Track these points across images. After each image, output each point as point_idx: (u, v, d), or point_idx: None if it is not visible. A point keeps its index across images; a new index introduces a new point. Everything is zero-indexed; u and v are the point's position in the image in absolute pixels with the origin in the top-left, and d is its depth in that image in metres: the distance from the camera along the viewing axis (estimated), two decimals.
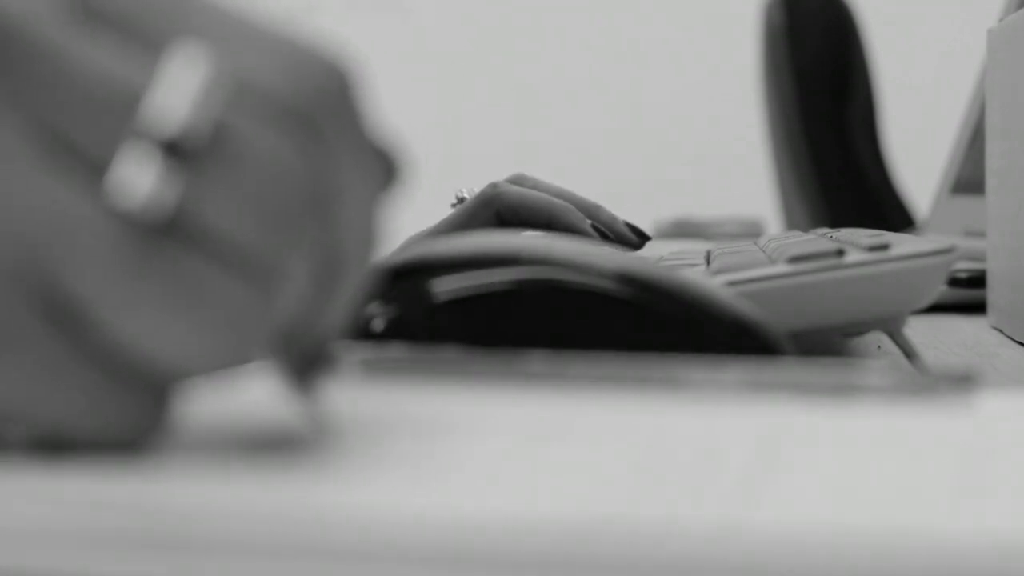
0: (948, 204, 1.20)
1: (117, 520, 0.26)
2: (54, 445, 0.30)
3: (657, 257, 0.84)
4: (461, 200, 0.83)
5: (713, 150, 2.72)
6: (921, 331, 0.77)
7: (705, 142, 2.72)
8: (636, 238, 0.83)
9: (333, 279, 0.32)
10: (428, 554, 0.25)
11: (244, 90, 0.30)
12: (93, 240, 0.29)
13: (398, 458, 0.31)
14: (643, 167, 2.74)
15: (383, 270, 0.49)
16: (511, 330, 0.47)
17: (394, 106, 2.76)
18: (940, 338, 0.73)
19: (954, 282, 0.89)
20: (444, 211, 0.83)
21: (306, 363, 0.33)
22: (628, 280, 0.47)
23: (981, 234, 1.05)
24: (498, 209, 0.80)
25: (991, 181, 0.78)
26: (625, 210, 0.87)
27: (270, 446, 0.32)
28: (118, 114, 0.29)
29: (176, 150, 0.29)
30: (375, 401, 0.38)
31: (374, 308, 0.48)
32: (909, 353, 0.57)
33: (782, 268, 0.55)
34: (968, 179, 1.16)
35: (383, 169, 0.33)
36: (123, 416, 0.30)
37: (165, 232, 0.29)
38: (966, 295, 0.89)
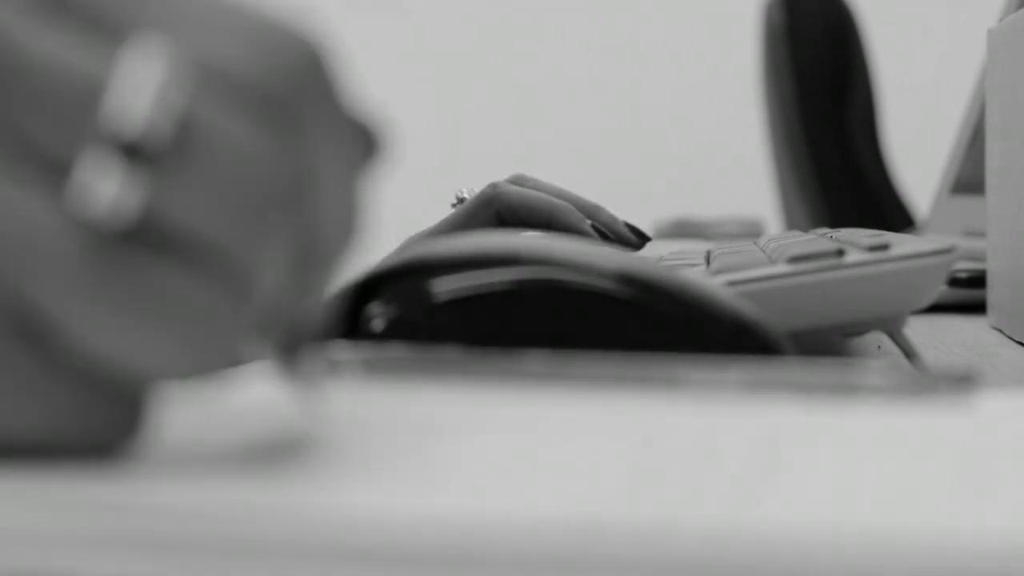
0: (948, 204, 1.20)
1: (111, 522, 0.26)
2: (33, 450, 0.29)
3: (657, 257, 0.84)
4: (461, 200, 0.83)
5: (713, 150, 2.72)
6: (921, 331, 0.77)
7: (705, 142, 2.72)
8: (636, 239, 0.83)
9: (313, 262, 0.31)
10: (428, 554, 0.25)
11: (210, 78, 0.29)
12: (56, 251, 0.28)
13: (398, 458, 0.31)
14: (643, 167, 2.74)
15: (383, 270, 0.49)
16: (511, 330, 0.47)
17: (394, 106, 2.76)
18: (940, 338, 0.73)
19: (954, 282, 0.89)
20: (444, 211, 0.83)
21: (291, 344, 0.32)
22: (628, 280, 0.47)
23: (981, 234, 1.05)
24: (498, 209, 0.80)
25: (991, 181, 0.78)
26: (625, 210, 0.87)
27: (269, 446, 0.32)
28: (78, 112, 0.28)
29: (139, 151, 0.28)
30: (375, 401, 0.38)
31: (374, 308, 0.48)
32: (909, 353, 0.57)
33: (782, 268, 0.55)
34: (968, 179, 1.16)
35: (362, 144, 0.32)
36: (98, 425, 0.29)
37: (131, 238, 0.28)
38: (966, 295, 0.89)
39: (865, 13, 1.56)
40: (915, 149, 2.20)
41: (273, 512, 0.26)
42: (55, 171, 0.28)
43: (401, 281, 0.48)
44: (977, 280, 0.88)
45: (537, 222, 0.80)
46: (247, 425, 0.35)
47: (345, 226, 0.31)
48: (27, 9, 0.29)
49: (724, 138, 2.70)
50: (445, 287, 0.48)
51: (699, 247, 1.06)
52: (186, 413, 0.35)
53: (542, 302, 0.47)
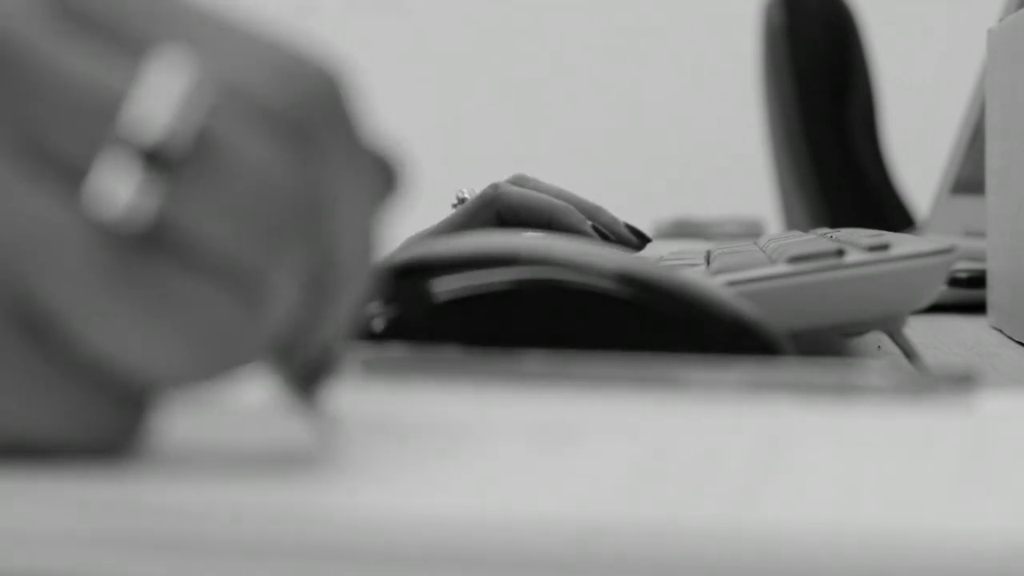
0: (948, 204, 1.20)
1: (111, 521, 0.26)
2: (35, 451, 0.29)
3: (657, 257, 0.84)
4: (461, 200, 0.83)
5: (713, 150, 2.72)
6: (921, 331, 0.77)
7: (705, 142, 2.72)
8: (636, 240, 0.83)
9: (328, 290, 0.31)
10: (428, 554, 0.25)
11: (231, 95, 0.29)
12: (70, 251, 0.28)
13: (398, 458, 0.31)
14: (643, 167, 2.74)
15: (383, 270, 0.49)
16: (511, 330, 0.47)
17: (394, 106, 2.76)
18: (940, 338, 0.73)
19: (954, 282, 0.89)
20: (444, 211, 0.83)
21: (306, 375, 0.32)
22: (628, 280, 0.47)
23: (981, 234, 1.05)
24: (499, 210, 0.80)
25: (991, 181, 0.78)
26: (625, 210, 0.87)
27: (269, 447, 0.32)
28: (97, 121, 0.28)
29: (157, 158, 0.28)
30: (375, 401, 0.38)
31: (374, 308, 0.48)
32: (909, 353, 0.57)
33: (782, 268, 0.55)
34: (968, 179, 1.16)
35: (381, 177, 0.32)
36: (102, 427, 0.29)
37: (145, 243, 0.28)
38: (966, 295, 0.89)
39: (865, 13, 1.56)
40: (915, 149, 2.20)
41: (273, 512, 0.26)
42: (73, 174, 0.28)
43: (401, 281, 0.48)
44: (977, 280, 0.88)
45: (538, 223, 0.80)
46: (248, 426, 0.35)
47: (361, 256, 0.31)
48: (52, 21, 0.29)
49: (724, 138, 2.70)
50: (445, 287, 0.48)
51: (699, 247, 1.06)
52: (188, 414, 0.35)
53: (542, 302, 0.47)
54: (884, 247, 0.55)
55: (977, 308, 0.86)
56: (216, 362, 0.29)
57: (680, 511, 0.27)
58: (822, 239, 0.67)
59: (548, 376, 0.41)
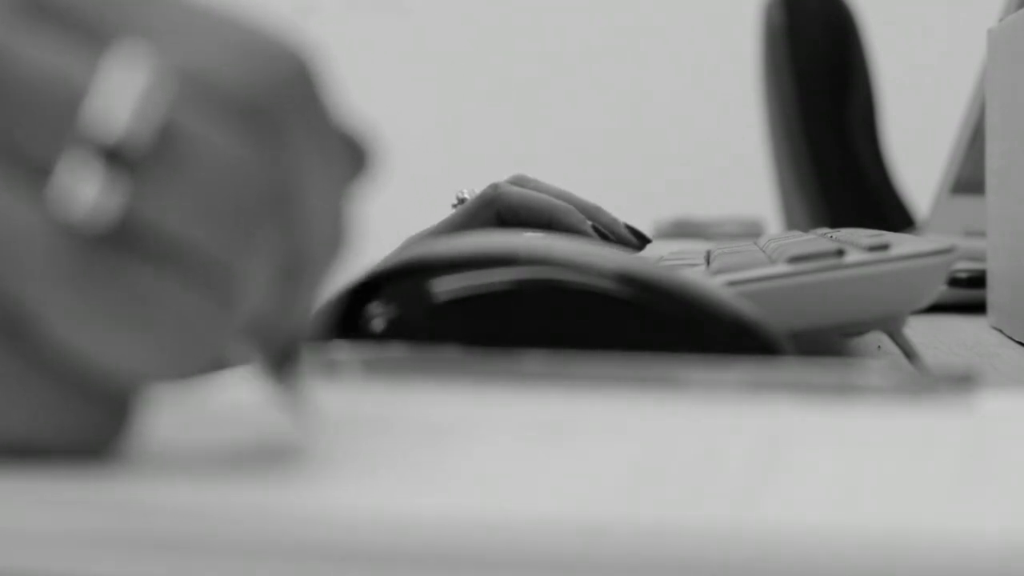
0: (948, 204, 1.20)
1: (110, 521, 0.26)
2: (19, 452, 0.29)
3: (657, 257, 0.84)
4: (461, 200, 0.83)
5: (713, 150, 2.72)
6: (921, 331, 0.77)
7: (705, 142, 2.72)
8: (636, 240, 0.83)
9: (299, 275, 0.31)
10: (428, 554, 0.25)
11: (194, 86, 0.29)
12: (38, 251, 0.28)
13: (397, 458, 0.31)
14: (643, 167, 2.74)
15: (383, 270, 0.49)
16: (511, 330, 0.47)
17: (394, 106, 2.76)
18: (940, 338, 0.73)
19: (954, 282, 0.89)
20: (444, 211, 0.83)
21: (279, 358, 0.32)
22: (628, 280, 0.47)
23: (981, 234, 1.05)
24: (499, 210, 0.80)
25: (991, 181, 0.78)
26: (625, 210, 0.87)
27: (269, 447, 0.32)
28: (60, 117, 0.28)
29: (119, 156, 0.28)
30: (375, 401, 0.38)
31: (374, 308, 0.48)
32: (909, 353, 0.57)
33: (782, 268, 0.55)
34: (968, 179, 1.16)
35: (351, 158, 0.32)
36: (81, 426, 0.29)
37: (112, 241, 0.28)
38: (966, 295, 0.89)
39: (865, 13, 1.56)
40: (915, 149, 2.20)
41: (273, 512, 0.26)
42: (36, 173, 0.28)
43: (401, 281, 0.48)
44: (977, 280, 0.88)
45: (538, 223, 0.80)
46: (248, 426, 0.35)
47: (332, 239, 0.31)
48: (10, 13, 0.29)
49: (724, 138, 2.70)
50: (445, 287, 0.48)
51: (699, 247, 1.06)
52: (186, 414, 0.35)
53: (542, 302, 0.47)
54: (884, 247, 0.55)
55: (977, 308, 0.86)
56: (186, 358, 0.28)
57: (680, 511, 0.27)
58: (822, 239, 0.67)
59: (548, 376, 0.41)
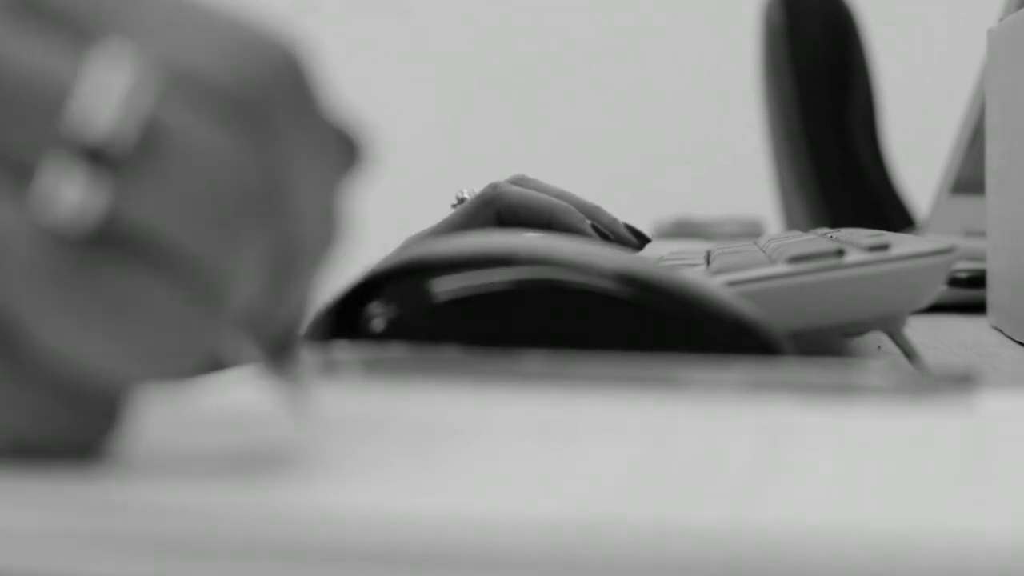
0: (948, 204, 1.20)
1: (108, 522, 0.26)
2: (12, 453, 0.29)
3: (657, 257, 0.84)
4: (461, 200, 0.83)
5: (713, 150, 2.72)
6: (921, 331, 0.77)
7: (705, 142, 2.72)
8: (636, 240, 0.83)
9: (292, 269, 0.30)
10: (428, 554, 0.25)
11: (180, 82, 0.28)
12: (20, 253, 0.27)
13: (398, 458, 0.31)
14: (643, 167, 2.74)
15: (383, 270, 0.49)
16: (511, 330, 0.47)
17: (394, 106, 2.76)
18: (940, 338, 0.73)
19: (954, 282, 0.89)
20: (444, 211, 0.83)
21: (275, 351, 0.31)
22: (628, 280, 0.47)
23: (981, 234, 1.05)
24: (498, 210, 0.80)
25: (991, 181, 0.78)
26: (625, 210, 0.87)
27: (268, 448, 0.32)
28: (43, 117, 0.27)
29: (103, 156, 0.27)
30: (375, 401, 0.38)
31: (374, 308, 0.48)
32: (909, 353, 0.57)
33: (782, 268, 0.55)
34: (968, 179, 1.16)
35: (343, 151, 0.31)
36: (69, 428, 0.29)
37: (96, 242, 0.28)
38: (966, 295, 0.89)
39: (865, 13, 1.56)
40: (915, 149, 2.20)
41: (272, 512, 0.26)
42: (19, 175, 0.28)
43: (401, 281, 0.48)
44: (977, 280, 0.88)
45: (537, 223, 0.80)
46: (247, 426, 0.35)
47: (324, 233, 0.31)
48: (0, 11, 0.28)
49: (724, 138, 2.70)
50: (445, 287, 0.48)
51: (699, 247, 1.06)
52: (185, 414, 0.35)
53: (542, 302, 0.47)
54: (884, 247, 0.55)
55: (977, 308, 0.86)
56: (172, 359, 0.28)
57: (680, 511, 0.27)
58: (822, 239, 0.67)
59: (548, 376, 0.41)
